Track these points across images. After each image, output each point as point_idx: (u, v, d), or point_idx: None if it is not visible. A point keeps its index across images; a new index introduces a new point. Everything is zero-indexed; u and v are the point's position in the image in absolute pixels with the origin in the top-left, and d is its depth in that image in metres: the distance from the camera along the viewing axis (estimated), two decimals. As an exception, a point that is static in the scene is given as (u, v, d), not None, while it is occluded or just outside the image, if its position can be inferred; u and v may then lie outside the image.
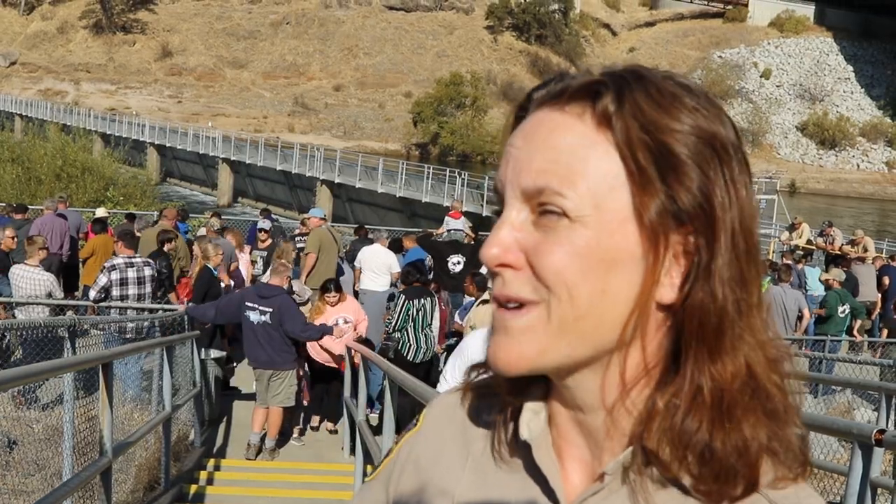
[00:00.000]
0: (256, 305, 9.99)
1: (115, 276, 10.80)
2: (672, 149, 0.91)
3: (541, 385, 1.04)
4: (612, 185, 0.91)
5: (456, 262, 14.40)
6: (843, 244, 23.25)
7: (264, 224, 17.69)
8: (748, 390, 0.93)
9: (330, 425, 11.62)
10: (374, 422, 10.46)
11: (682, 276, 0.93)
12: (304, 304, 11.47)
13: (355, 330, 11.05)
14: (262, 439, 10.35)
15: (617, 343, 0.94)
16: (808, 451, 0.97)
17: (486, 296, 11.44)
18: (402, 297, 11.14)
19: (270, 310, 9.92)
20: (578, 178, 0.92)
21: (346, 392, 10.40)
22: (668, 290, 0.93)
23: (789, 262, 18.12)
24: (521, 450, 1.05)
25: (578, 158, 0.92)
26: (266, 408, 10.23)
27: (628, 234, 0.92)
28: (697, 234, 0.92)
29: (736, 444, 0.91)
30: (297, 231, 18.00)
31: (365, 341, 10.54)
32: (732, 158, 0.94)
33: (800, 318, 14.25)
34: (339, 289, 11.31)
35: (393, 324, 11.07)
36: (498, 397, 1.09)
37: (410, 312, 10.97)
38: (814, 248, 23.65)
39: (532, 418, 1.04)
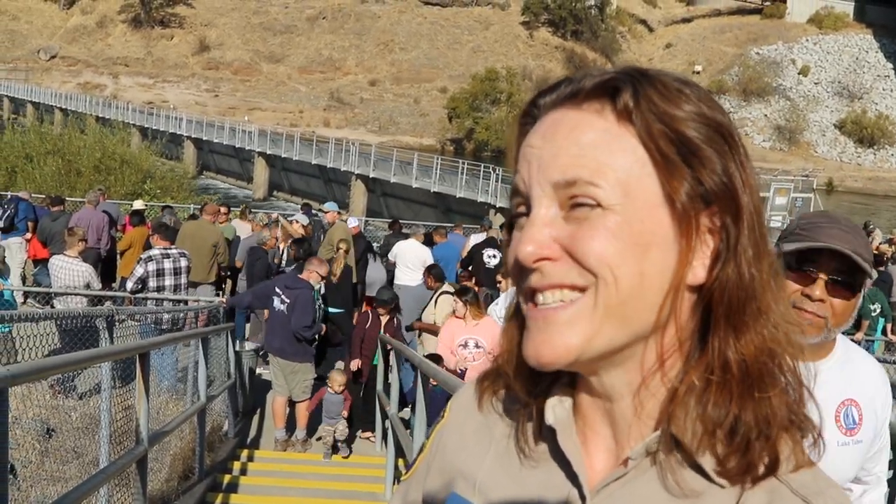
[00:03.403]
0: (281, 293, 10.17)
1: (151, 267, 10.90)
2: (689, 136, 0.95)
3: (563, 381, 1.07)
4: (640, 175, 0.95)
5: (491, 255, 14.39)
6: (880, 243, 22.97)
7: (302, 218, 17.78)
8: (771, 363, 0.96)
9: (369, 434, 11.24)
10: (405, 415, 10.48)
11: (711, 257, 0.97)
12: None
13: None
14: (286, 433, 10.42)
15: (653, 326, 0.97)
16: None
17: (445, 287, 11.61)
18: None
19: (289, 301, 10.06)
20: (607, 169, 0.95)
21: (379, 385, 10.43)
22: (698, 271, 0.97)
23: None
24: (546, 435, 1.08)
25: (604, 151, 0.95)
26: (284, 398, 10.35)
27: (660, 218, 0.95)
28: (723, 213, 0.96)
29: (765, 414, 0.95)
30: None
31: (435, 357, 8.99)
32: (737, 144, 0.99)
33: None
34: (460, 294, 9.27)
35: None
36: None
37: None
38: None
39: (557, 404, 1.07)
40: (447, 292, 11.34)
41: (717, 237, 0.97)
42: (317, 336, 10.57)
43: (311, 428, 10.57)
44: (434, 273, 11.97)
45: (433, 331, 10.76)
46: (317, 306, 10.35)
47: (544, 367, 0.98)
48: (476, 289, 11.10)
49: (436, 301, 11.34)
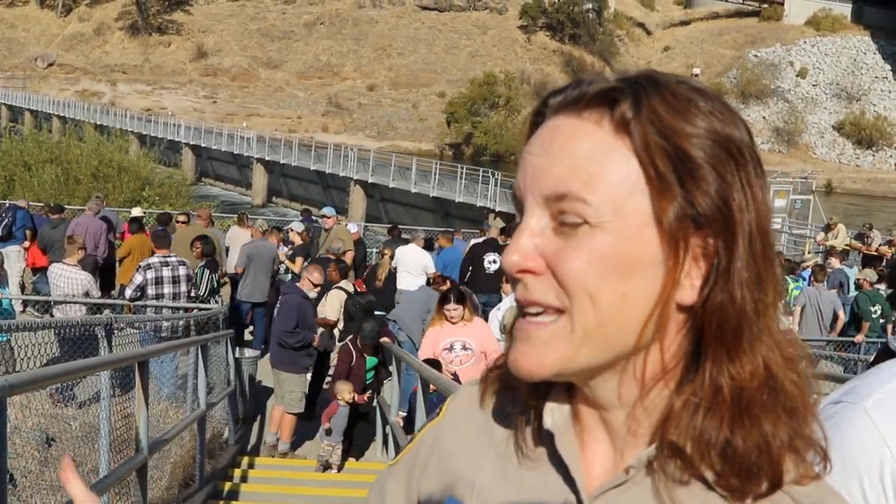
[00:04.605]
0: (279, 301, 10.23)
1: (150, 274, 10.88)
2: (689, 153, 0.92)
3: (562, 385, 1.06)
4: (632, 191, 0.93)
5: (492, 261, 14.47)
6: (880, 245, 22.99)
7: (297, 225, 17.82)
8: (767, 389, 0.94)
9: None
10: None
11: (702, 279, 0.94)
12: None
13: (484, 362, 8.23)
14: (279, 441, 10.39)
15: (637, 346, 0.96)
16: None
17: (344, 283, 11.85)
18: (207, 271, 12.28)
19: (279, 307, 10.08)
20: (599, 184, 0.93)
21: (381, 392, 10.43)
22: (688, 292, 0.94)
23: (835, 261, 17.92)
24: (544, 440, 1.07)
25: (598, 164, 0.93)
26: (281, 406, 10.28)
27: (648, 238, 0.93)
28: (716, 236, 0.93)
29: (757, 441, 0.93)
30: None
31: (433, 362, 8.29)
32: (748, 161, 0.95)
33: (835, 319, 14.07)
34: (461, 299, 8.73)
35: (203, 293, 12.23)
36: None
37: (213, 283, 12.11)
38: (850, 248, 23.42)
39: (556, 409, 1.06)
40: (341, 287, 11.65)
41: (709, 260, 0.94)
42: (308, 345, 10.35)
43: (306, 439, 10.51)
44: (339, 268, 12.31)
45: (324, 324, 11.29)
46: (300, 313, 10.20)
47: (523, 378, 0.99)
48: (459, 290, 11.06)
49: (327, 294, 11.97)
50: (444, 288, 10.80)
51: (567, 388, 1.06)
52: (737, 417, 0.93)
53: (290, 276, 14.85)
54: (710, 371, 0.94)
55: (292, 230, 16.41)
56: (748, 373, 0.93)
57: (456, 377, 8.05)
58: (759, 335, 0.94)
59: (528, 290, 0.97)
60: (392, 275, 13.36)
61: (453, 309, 8.53)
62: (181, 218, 15.13)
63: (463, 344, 8.53)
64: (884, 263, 19.77)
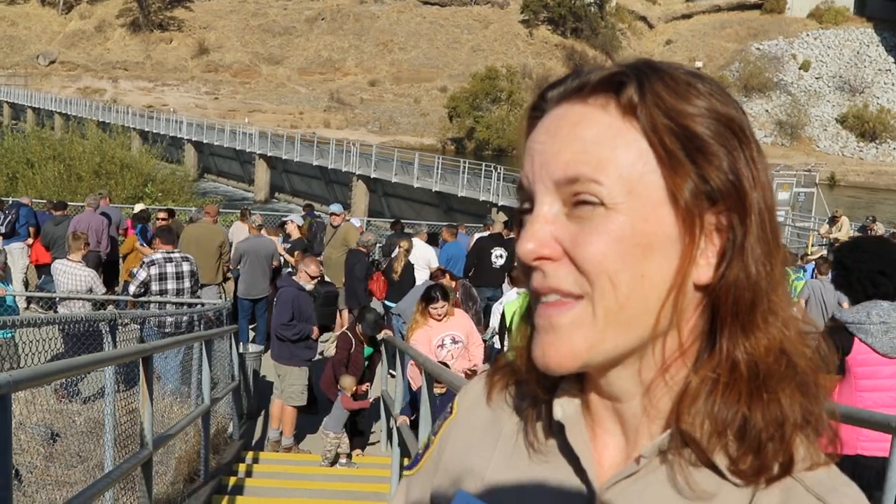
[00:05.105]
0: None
1: (154, 270, 10.88)
2: (696, 131, 0.93)
3: (573, 376, 1.05)
4: (643, 171, 0.93)
5: (498, 256, 14.55)
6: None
7: (297, 218, 17.86)
8: (781, 363, 0.94)
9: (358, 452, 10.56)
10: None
11: (718, 256, 0.95)
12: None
13: (468, 352, 8.81)
14: (280, 434, 10.39)
15: (658, 327, 0.96)
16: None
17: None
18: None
19: (275, 300, 10.10)
20: (609, 166, 0.93)
21: (384, 386, 10.42)
22: (704, 271, 0.95)
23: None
24: (554, 431, 1.07)
25: (607, 147, 0.94)
26: (280, 400, 10.30)
27: (663, 217, 0.93)
28: (730, 211, 0.94)
29: (775, 415, 0.93)
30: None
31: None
32: (749, 139, 0.97)
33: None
34: (445, 296, 8.82)
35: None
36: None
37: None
38: (853, 241, 23.38)
39: (566, 401, 1.06)
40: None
41: (723, 236, 0.95)
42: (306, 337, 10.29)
43: (309, 433, 10.51)
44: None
45: None
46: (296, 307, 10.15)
47: (551, 372, 0.98)
48: (453, 283, 11.09)
49: None
50: (444, 281, 10.80)
51: (577, 380, 1.06)
52: (754, 392, 0.94)
53: (288, 269, 14.85)
54: (727, 347, 0.95)
55: (291, 222, 16.40)
56: (763, 347, 0.94)
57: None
58: (773, 309, 0.95)
59: (547, 276, 0.96)
60: (409, 267, 13.45)
61: (440, 307, 8.63)
62: (161, 215, 15.08)
63: (452, 338, 8.69)
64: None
